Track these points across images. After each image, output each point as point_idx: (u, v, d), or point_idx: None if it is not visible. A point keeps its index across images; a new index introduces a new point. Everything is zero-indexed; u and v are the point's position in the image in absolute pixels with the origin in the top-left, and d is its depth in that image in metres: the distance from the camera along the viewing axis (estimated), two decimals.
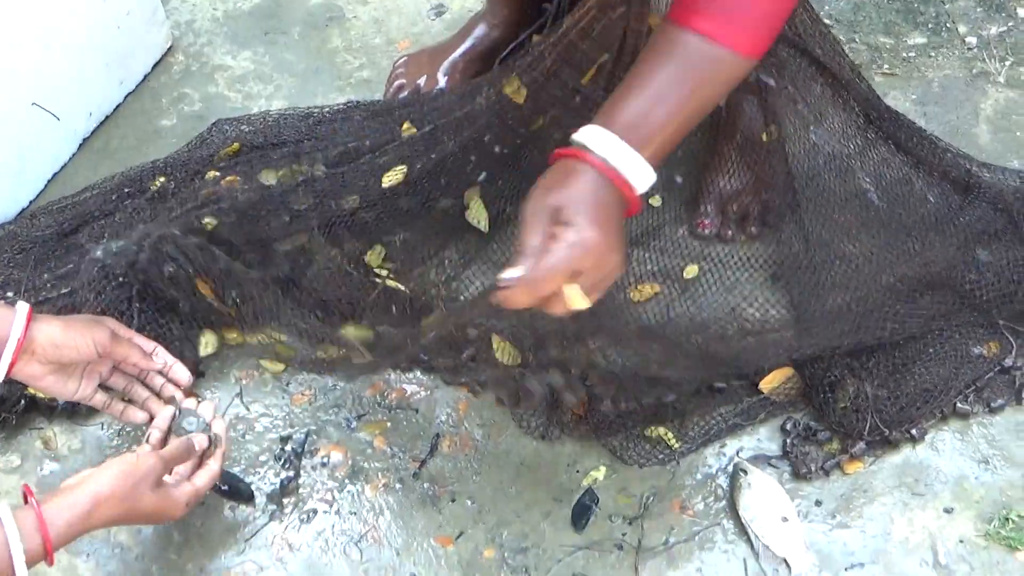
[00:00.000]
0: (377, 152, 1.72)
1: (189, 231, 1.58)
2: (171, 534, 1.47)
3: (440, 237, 1.76)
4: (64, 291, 1.64)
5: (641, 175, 1.19)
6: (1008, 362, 1.57)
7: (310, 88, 2.06)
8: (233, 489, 1.48)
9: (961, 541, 1.43)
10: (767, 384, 1.56)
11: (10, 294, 1.65)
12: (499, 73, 1.69)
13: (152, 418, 1.46)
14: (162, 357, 1.50)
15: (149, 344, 1.49)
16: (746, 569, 1.42)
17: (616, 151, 1.18)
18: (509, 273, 1.12)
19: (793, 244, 1.70)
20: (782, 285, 1.69)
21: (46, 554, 1.17)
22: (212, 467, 1.38)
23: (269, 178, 1.72)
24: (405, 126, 1.70)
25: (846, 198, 1.72)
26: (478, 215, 1.74)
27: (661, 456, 1.52)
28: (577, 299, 1.13)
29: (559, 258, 1.12)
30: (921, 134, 1.77)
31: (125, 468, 1.25)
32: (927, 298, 1.59)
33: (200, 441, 1.39)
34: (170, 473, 1.33)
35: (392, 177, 1.69)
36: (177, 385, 1.50)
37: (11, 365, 1.32)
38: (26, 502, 1.20)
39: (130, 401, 1.49)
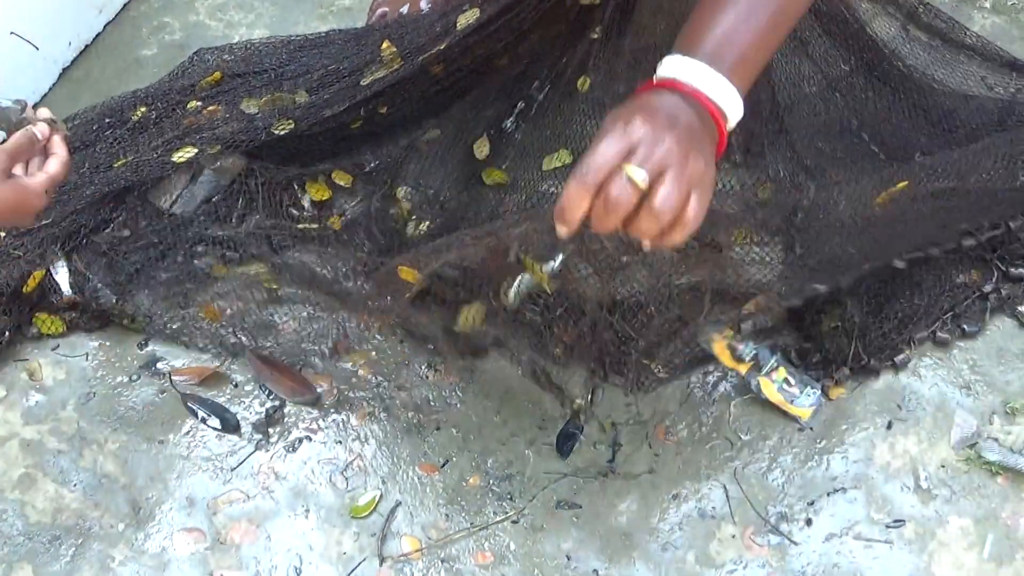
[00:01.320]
0: (357, 72, 1.67)
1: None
2: (158, 464, 1.45)
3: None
4: (44, 222, 1.61)
5: (733, 107, 1.04)
6: (987, 288, 1.55)
7: (292, 17, 2.01)
8: (219, 419, 1.47)
9: (942, 466, 1.42)
10: (754, 304, 1.53)
11: None
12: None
13: None
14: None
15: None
16: (727, 494, 1.41)
17: (706, 79, 1.02)
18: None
19: (779, 171, 1.67)
20: (768, 212, 1.66)
21: None
22: (60, 153, 1.29)
23: (251, 107, 1.68)
24: (385, 45, 1.65)
25: (830, 125, 1.68)
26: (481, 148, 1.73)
27: (647, 383, 1.50)
28: (638, 176, 0.95)
29: (605, 129, 0.98)
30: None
31: None
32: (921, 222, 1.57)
33: (41, 130, 1.29)
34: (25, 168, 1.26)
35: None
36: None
37: None
38: None
39: None
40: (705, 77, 1.02)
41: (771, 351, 1.48)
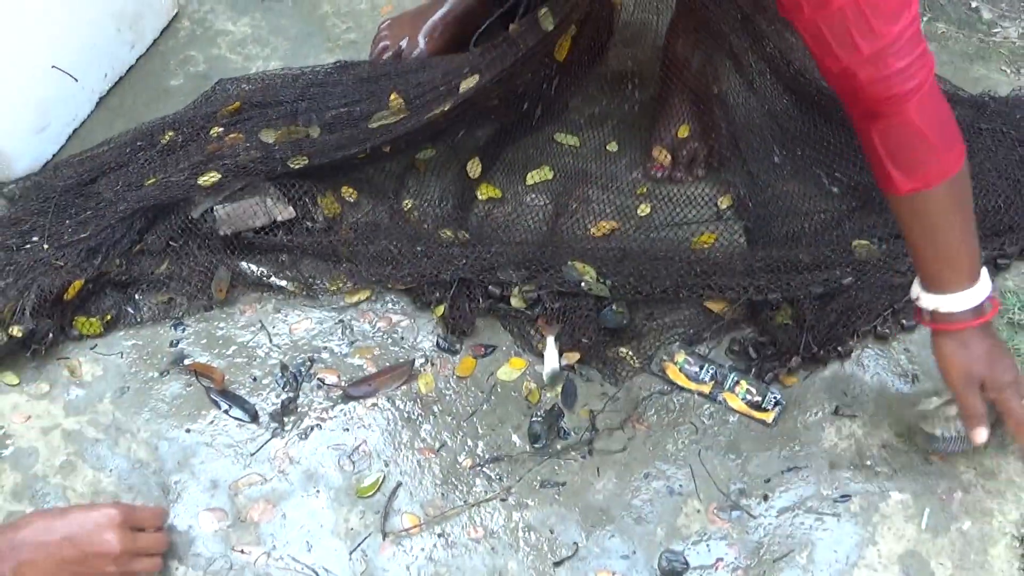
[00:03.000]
0: (367, 118, 1.66)
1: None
2: (184, 451, 1.43)
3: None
4: (83, 235, 1.59)
5: (979, 295, 1.22)
6: None
7: (303, 51, 1.99)
8: (240, 409, 1.45)
9: (884, 446, 1.40)
10: (716, 305, 1.52)
11: (35, 239, 1.60)
12: (473, 60, 1.63)
13: None
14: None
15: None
16: (693, 473, 1.39)
17: (955, 303, 1.22)
18: (980, 438, 1.26)
19: (737, 184, 1.66)
20: (727, 220, 1.65)
21: None
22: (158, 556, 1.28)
23: (269, 137, 1.66)
24: (393, 97, 1.64)
25: (782, 143, 1.67)
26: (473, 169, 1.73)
27: (624, 373, 1.48)
28: None
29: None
30: None
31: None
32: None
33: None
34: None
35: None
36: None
37: None
38: None
39: None
40: (954, 302, 1.22)
41: (728, 368, 1.46)
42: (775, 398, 1.43)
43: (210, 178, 1.60)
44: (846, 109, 1.20)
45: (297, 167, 1.62)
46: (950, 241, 1.20)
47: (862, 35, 1.07)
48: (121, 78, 1.94)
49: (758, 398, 1.43)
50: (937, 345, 1.26)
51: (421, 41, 1.86)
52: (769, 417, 1.42)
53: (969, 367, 1.23)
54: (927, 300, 1.24)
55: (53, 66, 1.75)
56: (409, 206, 1.69)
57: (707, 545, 1.33)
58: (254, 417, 1.46)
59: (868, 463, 1.39)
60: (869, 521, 1.34)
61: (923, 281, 1.25)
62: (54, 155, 1.82)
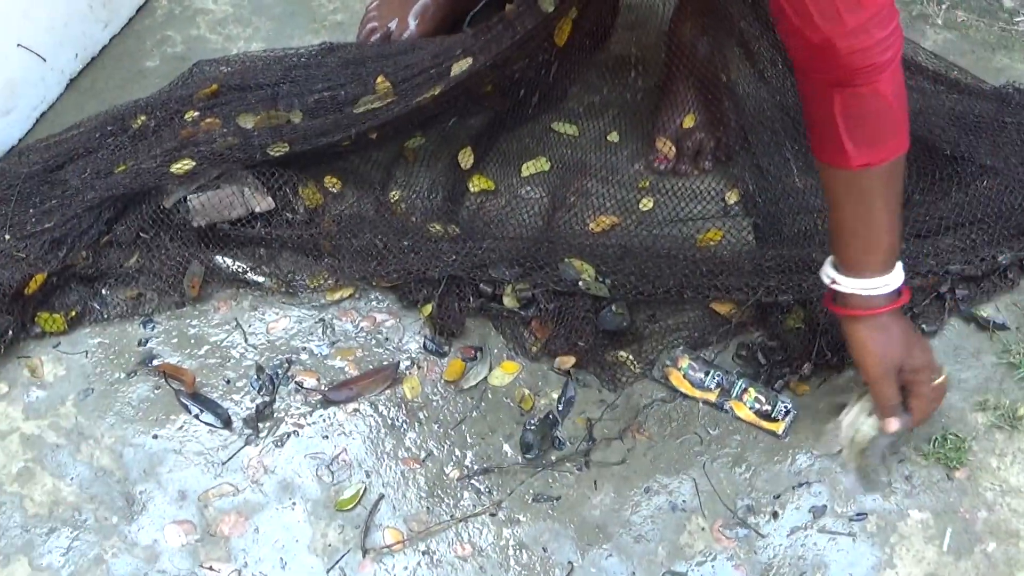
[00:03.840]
0: (352, 103, 1.56)
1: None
2: (151, 458, 1.34)
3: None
4: (47, 225, 1.49)
5: (899, 278, 1.19)
6: (943, 289, 1.44)
7: (287, 31, 1.89)
8: (211, 414, 1.36)
9: (902, 460, 1.31)
10: (723, 307, 1.43)
11: None
12: (466, 42, 1.54)
13: None
14: None
15: None
16: (697, 488, 1.30)
17: (877, 286, 1.18)
18: (893, 426, 1.22)
19: (745, 178, 1.57)
20: (734, 216, 1.56)
21: None
22: None
23: (247, 122, 1.57)
24: (379, 80, 1.54)
25: (794, 137, 1.58)
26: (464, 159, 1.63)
27: (623, 379, 1.39)
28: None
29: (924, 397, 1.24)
30: None
31: None
32: None
33: None
34: None
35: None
36: None
37: None
38: None
39: None
40: (867, 285, 1.18)
41: (736, 375, 1.37)
42: (786, 407, 1.34)
43: (183, 166, 1.50)
44: (803, 76, 1.13)
45: (277, 155, 1.52)
46: (882, 222, 1.16)
47: (848, 7, 1.02)
48: (93, 58, 1.85)
49: (767, 407, 1.34)
50: (852, 332, 1.21)
51: (411, 22, 1.76)
52: (779, 428, 1.33)
53: (887, 352, 1.19)
54: (847, 284, 1.19)
55: (19, 44, 1.66)
56: (396, 197, 1.60)
57: (712, 566, 1.24)
58: (227, 423, 1.37)
59: (884, 479, 1.30)
60: (887, 542, 1.25)
61: (843, 264, 1.20)
62: (20, 140, 1.72)
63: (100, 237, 1.52)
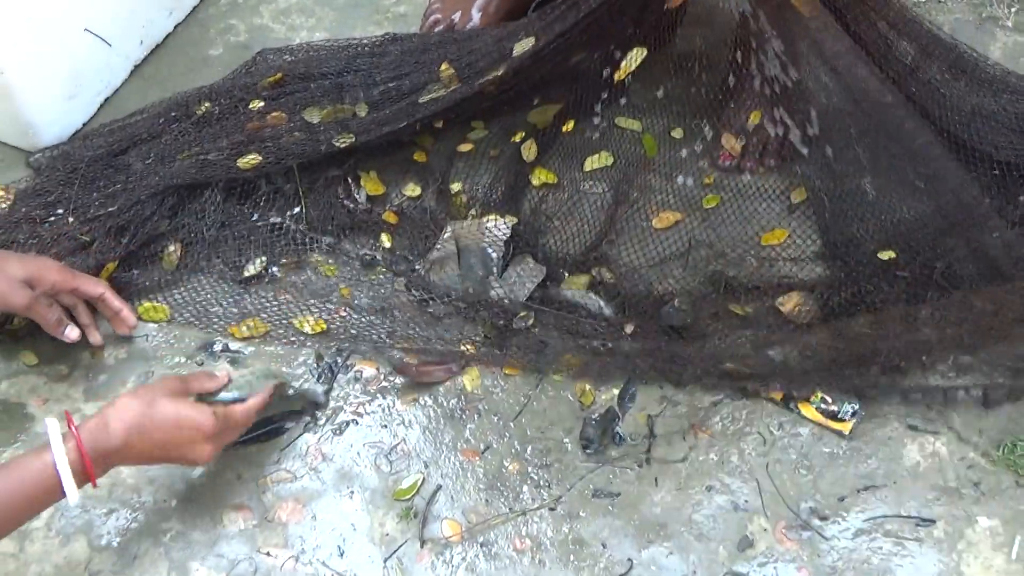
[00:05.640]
0: (416, 92, 1.56)
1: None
2: None
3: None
4: (111, 209, 1.50)
5: None
6: None
7: (349, 22, 1.90)
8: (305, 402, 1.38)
9: (970, 467, 1.29)
10: (785, 306, 1.41)
11: (60, 211, 1.51)
12: (529, 24, 1.53)
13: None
14: (111, 302, 1.40)
15: (97, 288, 1.39)
16: (760, 488, 1.28)
17: None
18: None
19: (812, 178, 1.54)
20: (799, 216, 1.53)
21: (88, 477, 1.10)
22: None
23: (313, 116, 1.57)
24: (443, 66, 1.54)
25: (865, 137, 1.55)
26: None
27: (686, 377, 1.38)
28: None
29: None
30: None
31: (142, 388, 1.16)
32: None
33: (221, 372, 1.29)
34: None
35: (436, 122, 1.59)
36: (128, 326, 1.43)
37: None
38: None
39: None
40: None
41: None
42: (852, 408, 1.32)
43: (251, 160, 1.52)
44: None
45: (343, 145, 1.52)
46: None
47: None
48: (157, 45, 1.86)
49: (834, 407, 1.32)
50: None
51: (475, 14, 1.76)
52: (846, 428, 1.31)
53: None
54: None
55: (86, 29, 1.68)
56: (457, 189, 1.59)
57: (774, 567, 1.22)
58: (318, 405, 1.38)
59: (953, 484, 1.28)
60: (954, 548, 1.23)
61: None
62: (84, 124, 1.74)
63: (162, 224, 1.53)
